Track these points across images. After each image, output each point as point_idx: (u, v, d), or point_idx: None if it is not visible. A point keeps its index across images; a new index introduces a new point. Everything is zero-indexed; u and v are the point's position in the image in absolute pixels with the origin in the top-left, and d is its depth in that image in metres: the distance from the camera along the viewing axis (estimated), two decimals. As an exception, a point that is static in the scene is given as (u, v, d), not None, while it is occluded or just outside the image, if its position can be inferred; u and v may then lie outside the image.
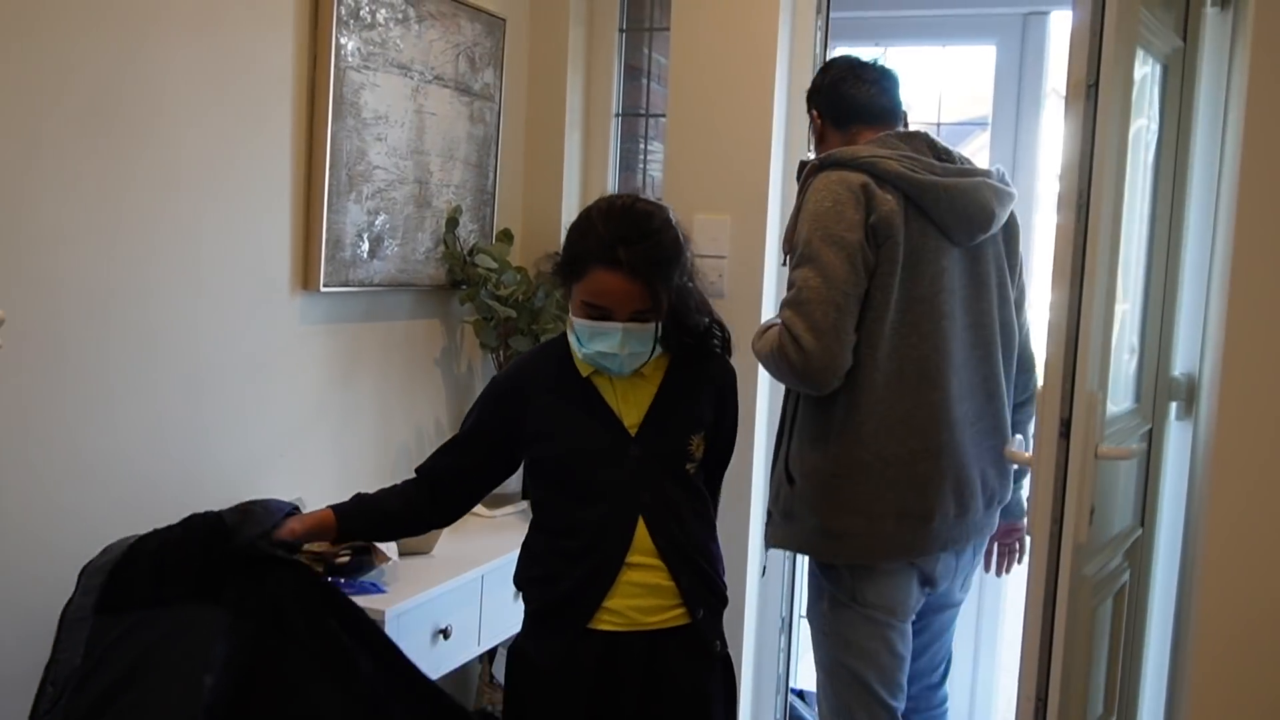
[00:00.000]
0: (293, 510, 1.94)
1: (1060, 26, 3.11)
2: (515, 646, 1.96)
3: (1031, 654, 1.86)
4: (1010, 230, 2.37)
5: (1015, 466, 2.31)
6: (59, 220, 1.87)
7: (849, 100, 2.30)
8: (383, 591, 2.22)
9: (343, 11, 2.41)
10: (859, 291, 2.09)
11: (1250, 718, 1.95)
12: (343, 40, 2.42)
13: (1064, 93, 1.79)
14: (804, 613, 2.44)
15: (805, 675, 3.20)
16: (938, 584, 2.27)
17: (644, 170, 3.36)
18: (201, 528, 1.85)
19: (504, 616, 2.55)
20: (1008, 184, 2.32)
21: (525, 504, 2.85)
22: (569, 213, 3.23)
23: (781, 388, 2.37)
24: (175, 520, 2.11)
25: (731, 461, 2.11)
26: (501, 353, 2.89)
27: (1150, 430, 2.39)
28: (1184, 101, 2.31)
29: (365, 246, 2.56)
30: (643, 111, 3.33)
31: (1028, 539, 1.94)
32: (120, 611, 1.75)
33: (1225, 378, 1.96)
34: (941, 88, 2.60)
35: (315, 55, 2.38)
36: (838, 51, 2.69)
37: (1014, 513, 2.47)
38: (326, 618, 1.84)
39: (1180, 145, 2.33)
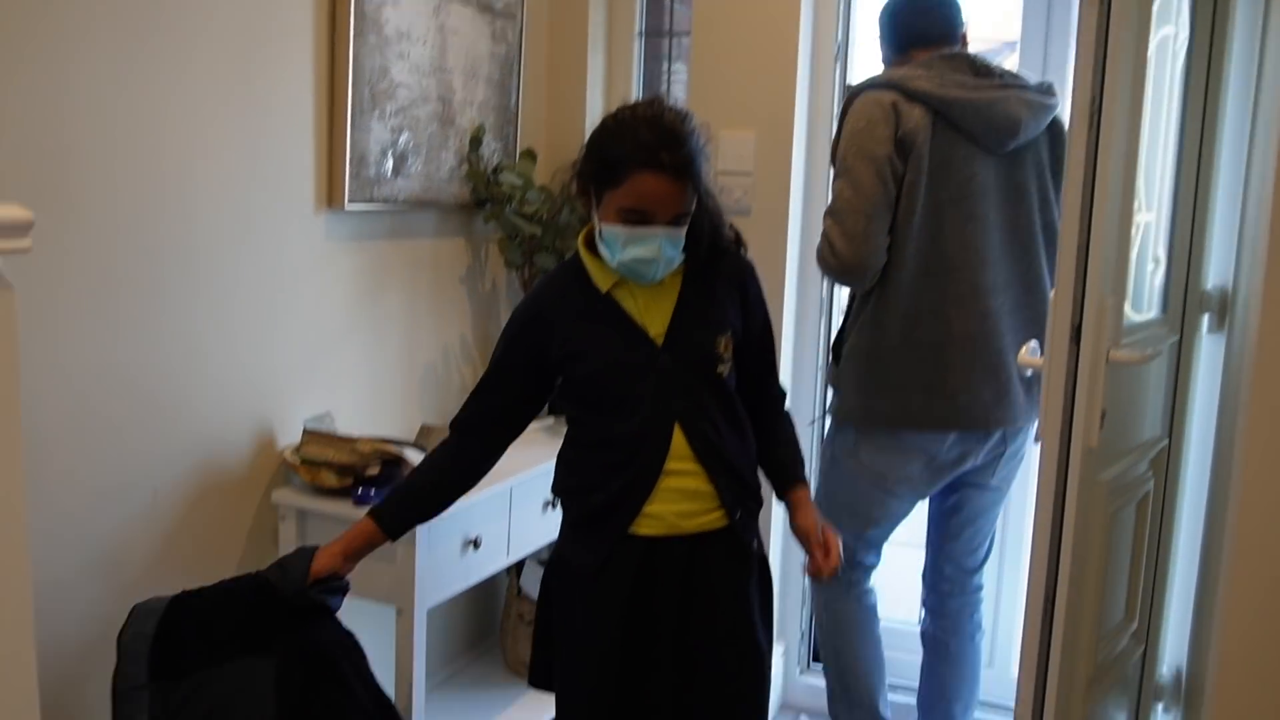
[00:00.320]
0: (316, 547, 1.95)
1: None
2: (554, 554, 1.99)
3: (1041, 556, 1.90)
4: (1057, 137, 2.51)
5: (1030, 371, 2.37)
6: (87, 137, 1.89)
7: (903, 28, 2.53)
8: (413, 502, 2.26)
9: (365, -76, 2.41)
10: (888, 200, 2.36)
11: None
12: (365, -46, 2.42)
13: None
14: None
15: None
16: (961, 463, 2.51)
17: (668, 90, 3.36)
18: (249, 585, 1.90)
19: (532, 528, 2.61)
20: (1049, 95, 2.48)
21: (552, 419, 2.89)
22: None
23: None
24: (206, 429, 2.18)
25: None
26: (526, 270, 2.92)
27: (1180, 342, 2.40)
28: (1217, 10, 2.29)
29: (389, 164, 2.58)
30: (666, 31, 3.31)
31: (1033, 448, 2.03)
32: (177, 676, 1.80)
33: (1268, 291, 1.95)
34: (970, 10, 2.60)
35: (337, -29, 2.38)
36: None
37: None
38: (365, 665, 1.94)
39: (1214, 56, 2.31)
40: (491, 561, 2.48)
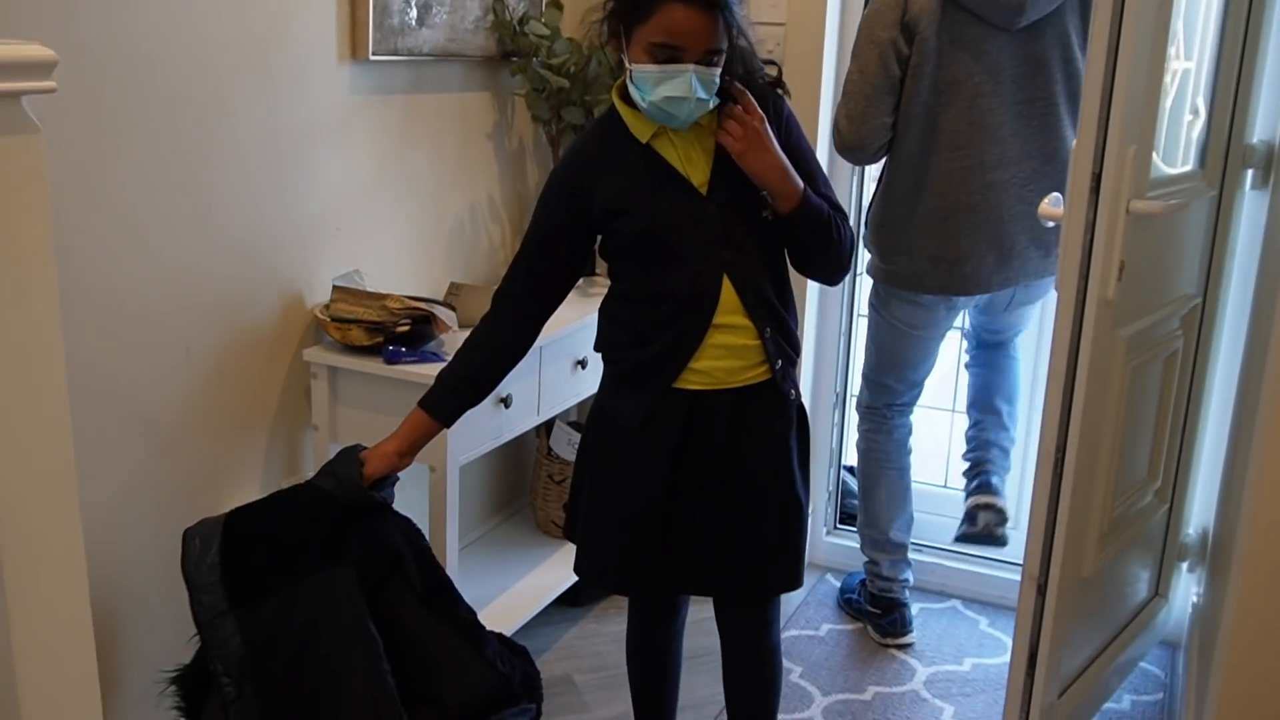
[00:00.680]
0: (360, 447, 1.98)
1: None
2: (595, 408, 2.02)
3: (1054, 408, 1.93)
4: (1088, 4, 2.54)
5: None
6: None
7: None
8: (443, 360, 2.28)
9: None
10: (890, 83, 2.56)
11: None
12: None
13: None
14: (855, 394, 3.18)
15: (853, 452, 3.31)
16: (980, 315, 2.91)
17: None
18: (306, 497, 1.94)
19: (562, 388, 2.65)
20: None
21: (580, 279, 2.90)
22: (621, -21, 3.17)
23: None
24: (235, 287, 2.21)
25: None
26: (554, 125, 2.90)
27: (1220, 198, 2.38)
28: None
29: (413, 13, 2.55)
30: None
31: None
32: (258, 597, 1.84)
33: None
34: None
35: None
36: None
37: None
38: (430, 558, 2.01)
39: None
40: (521, 420, 2.53)
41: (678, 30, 1.72)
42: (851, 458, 3.44)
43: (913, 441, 3.00)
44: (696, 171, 1.86)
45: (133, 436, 2.07)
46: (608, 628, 2.98)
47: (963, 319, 3.00)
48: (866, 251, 2.84)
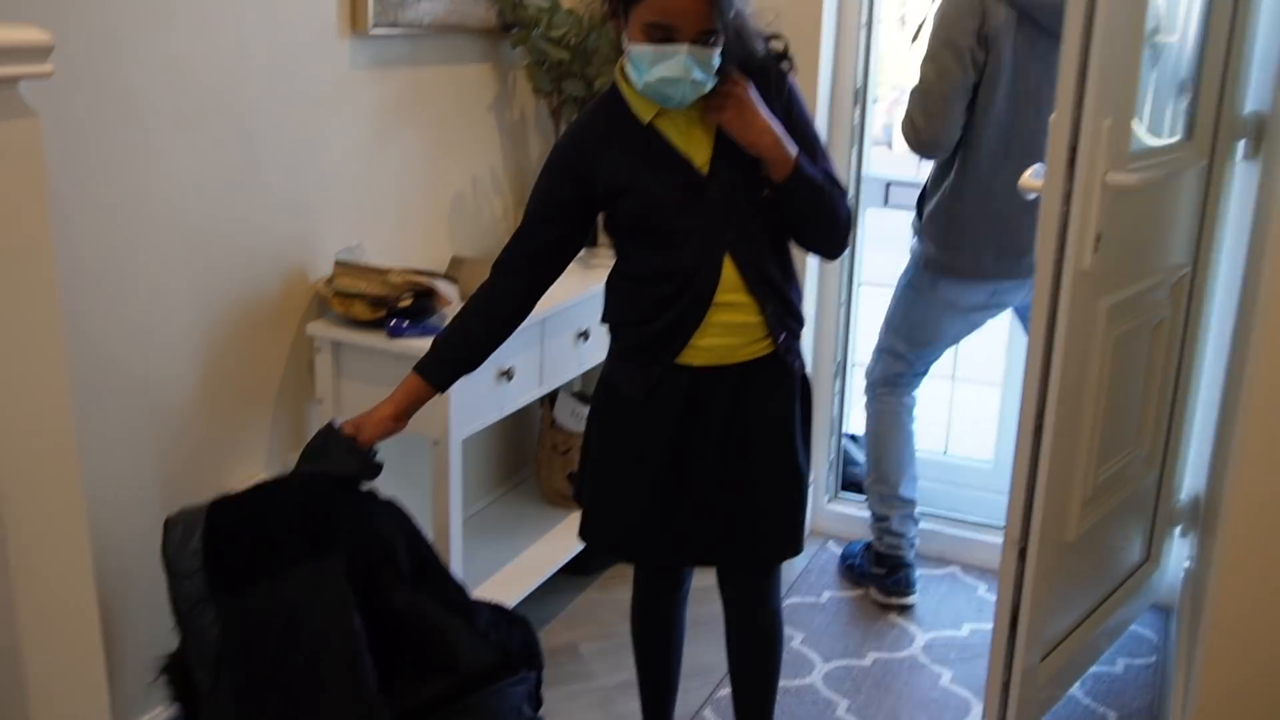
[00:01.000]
0: (333, 425, 2.00)
1: None
2: (603, 379, 2.08)
3: (1034, 376, 1.99)
4: None
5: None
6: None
7: None
8: (445, 333, 2.37)
9: None
10: (966, 86, 2.72)
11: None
12: None
13: None
14: (857, 361, 3.35)
15: (856, 421, 3.38)
16: (1014, 299, 2.99)
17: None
18: (296, 484, 1.94)
19: (565, 360, 2.72)
20: None
21: (583, 250, 2.95)
22: (621, -49, 3.20)
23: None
24: (237, 261, 2.27)
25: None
26: (555, 97, 2.95)
27: (1210, 169, 2.41)
28: None
29: (414, -13, 2.59)
30: None
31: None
32: (240, 587, 1.83)
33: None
34: None
35: None
36: None
37: None
38: (419, 539, 2.03)
39: None
40: (524, 392, 2.60)
41: (671, 9, 1.76)
42: (853, 426, 3.51)
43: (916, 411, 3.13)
44: (698, 151, 1.90)
45: (136, 413, 2.14)
46: (613, 596, 3.06)
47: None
48: (920, 241, 2.95)
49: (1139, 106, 2.05)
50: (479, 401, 2.44)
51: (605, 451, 2.07)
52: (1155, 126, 2.16)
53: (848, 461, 3.49)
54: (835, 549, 3.35)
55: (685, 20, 1.76)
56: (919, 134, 2.78)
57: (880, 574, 3.08)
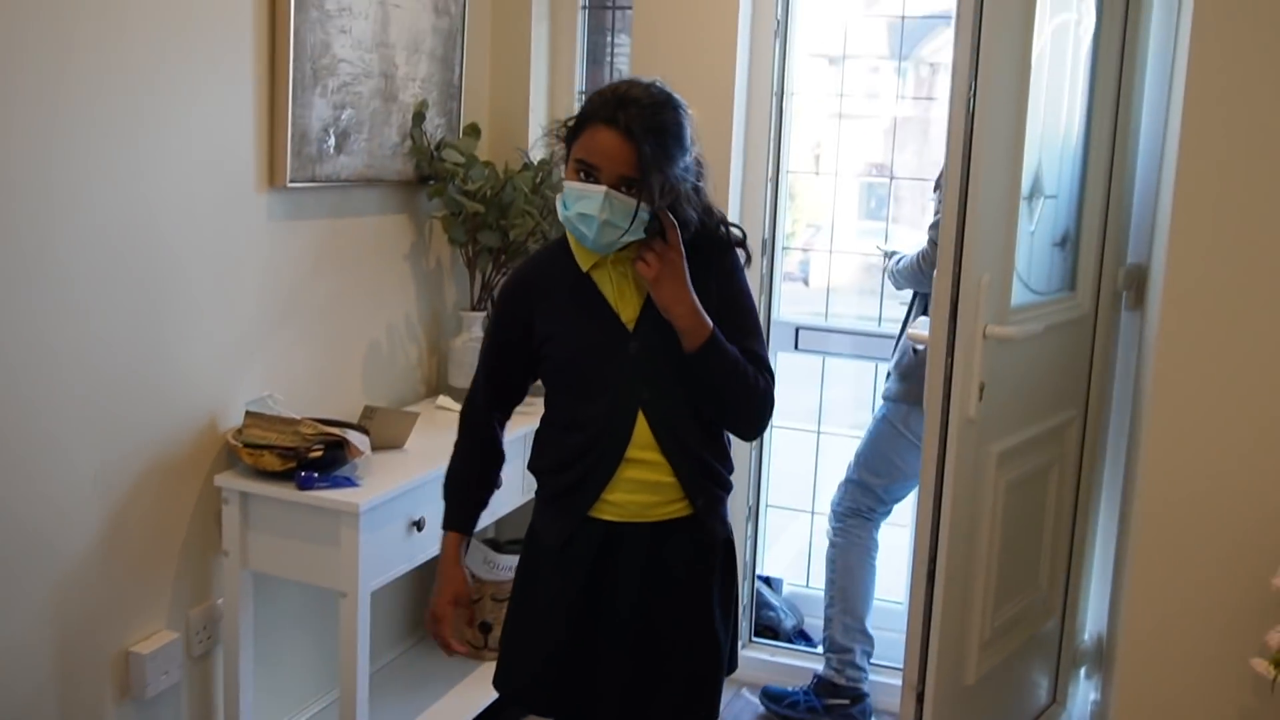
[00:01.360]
0: None
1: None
2: (530, 523, 2.12)
3: (924, 521, 2.07)
4: None
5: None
6: (21, 112, 1.97)
7: None
8: (356, 485, 2.39)
9: (302, -97, 2.48)
10: None
11: (1186, 590, 2.14)
12: (303, -67, 2.49)
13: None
14: (769, 502, 3.44)
15: (772, 563, 3.43)
16: None
17: (611, 63, 3.47)
18: None
19: (475, 507, 2.72)
20: None
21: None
22: (536, 106, 3.35)
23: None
24: (148, 411, 2.28)
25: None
26: (470, 248, 3.03)
27: (1095, 317, 2.55)
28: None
29: (331, 141, 2.67)
30: (610, 4, 3.42)
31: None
32: None
33: (1169, 271, 2.10)
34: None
35: (275, -54, 2.47)
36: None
37: None
38: None
39: (1128, 41, 2.45)
40: (436, 542, 2.56)
41: (595, 149, 1.85)
42: (766, 568, 3.56)
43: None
44: (627, 307, 1.96)
45: (34, 568, 2.11)
46: (525, 749, 3.01)
47: None
48: (896, 380, 3.05)
49: (1021, 261, 2.18)
50: (388, 553, 2.45)
51: (522, 597, 2.09)
52: (1038, 280, 2.30)
53: (761, 605, 3.52)
54: (750, 695, 3.35)
55: (607, 162, 1.84)
56: (899, 288, 3.05)
57: (844, 704, 3.14)
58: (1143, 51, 2.49)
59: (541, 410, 2.06)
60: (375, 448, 2.54)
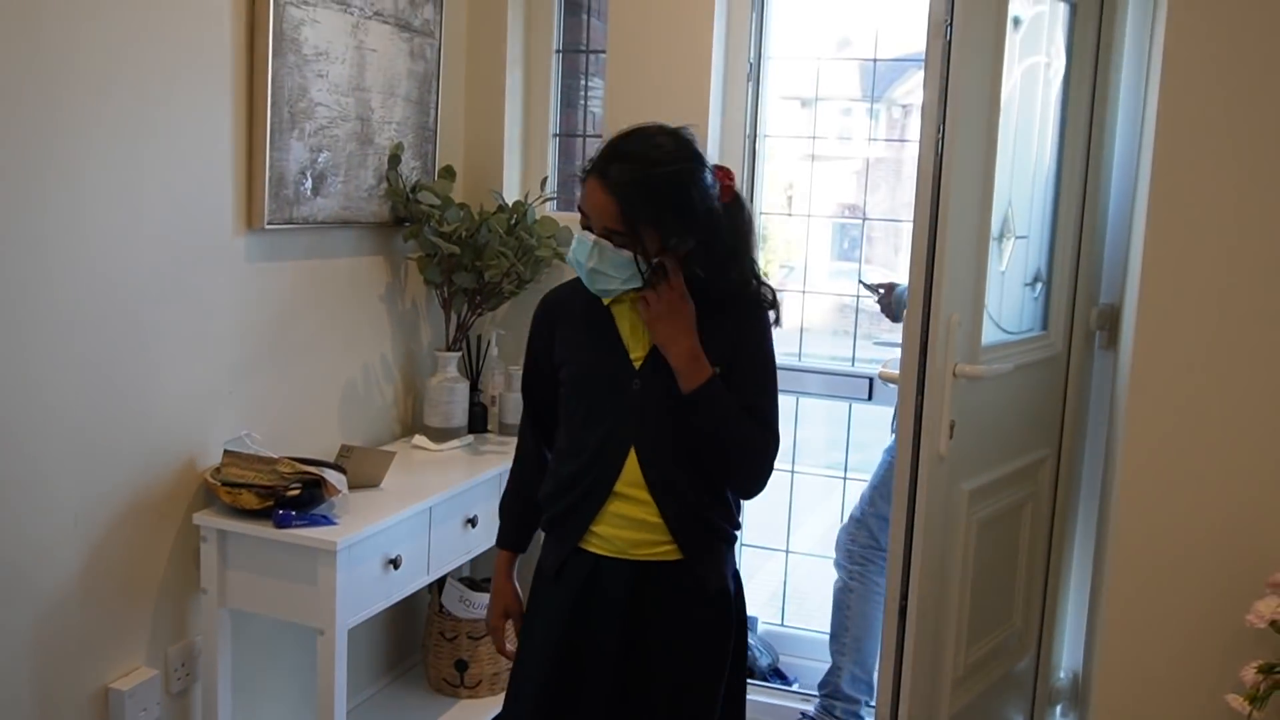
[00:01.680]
0: None
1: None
2: (540, 555, 2.16)
3: (895, 560, 2.10)
4: None
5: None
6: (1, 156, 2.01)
7: None
8: (334, 523, 2.42)
9: (282, -50, 2.53)
10: None
11: (1161, 627, 2.18)
12: (282, -21, 2.55)
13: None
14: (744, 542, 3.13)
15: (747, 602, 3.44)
16: None
17: (585, 107, 3.53)
18: None
19: (452, 547, 2.77)
20: None
21: (471, 438, 3.05)
22: (510, 149, 3.41)
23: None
24: (127, 451, 2.29)
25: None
26: (445, 289, 3.07)
27: (1069, 358, 2.61)
28: (1102, 40, 2.50)
29: (309, 184, 2.72)
30: (584, 48, 3.49)
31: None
32: None
33: (1141, 311, 2.16)
34: (879, 22, 2.82)
35: (254, -8, 2.52)
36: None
37: None
38: None
39: (1099, 86, 2.52)
40: (412, 580, 2.64)
41: (585, 201, 1.94)
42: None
43: None
44: (638, 345, 2.00)
45: (14, 605, 2.12)
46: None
47: None
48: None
49: (992, 301, 2.24)
50: (366, 591, 2.47)
51: (529, 627, 2.13)
52: (1010, 320, 2.36)
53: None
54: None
55: (595, 213, 1.92)
56: (899, 321, 2.98)
57: None
58: (1114, 93, 2.57)
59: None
60: (352, 486, 2.56)
